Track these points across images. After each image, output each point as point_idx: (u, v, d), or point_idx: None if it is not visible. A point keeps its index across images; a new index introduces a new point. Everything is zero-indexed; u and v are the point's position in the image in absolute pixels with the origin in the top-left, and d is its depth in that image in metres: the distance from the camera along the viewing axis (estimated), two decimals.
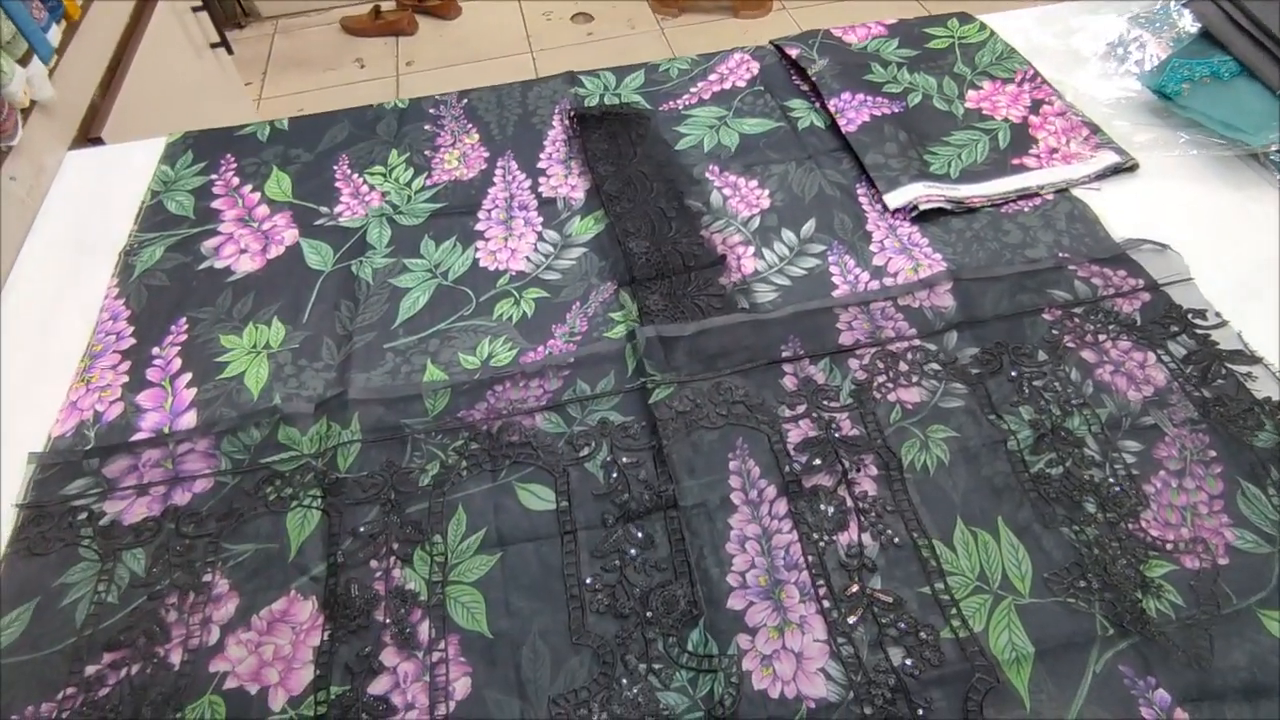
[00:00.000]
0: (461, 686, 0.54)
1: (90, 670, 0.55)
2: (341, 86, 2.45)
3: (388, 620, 0.57)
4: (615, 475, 0.64)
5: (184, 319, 0.79)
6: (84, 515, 0.64)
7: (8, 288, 0.83)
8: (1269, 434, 0.63)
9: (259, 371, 0.74)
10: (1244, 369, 0.67)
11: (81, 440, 0.69)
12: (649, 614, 0.56)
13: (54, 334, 0.79)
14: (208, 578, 0.60)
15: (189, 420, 0.70)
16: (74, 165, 0.98)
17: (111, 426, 0.70)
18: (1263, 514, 0.59)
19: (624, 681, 0.53)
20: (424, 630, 0.56)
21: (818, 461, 0.64)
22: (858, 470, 0.63)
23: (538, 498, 0.63)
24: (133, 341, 0.77)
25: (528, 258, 0.82)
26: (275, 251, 0.85)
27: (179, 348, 0.76)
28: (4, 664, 0.56)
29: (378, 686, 0.54)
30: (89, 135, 1.05)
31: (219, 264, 0.84)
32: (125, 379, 0.74)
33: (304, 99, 2.39)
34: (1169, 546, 0.58)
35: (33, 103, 0.94)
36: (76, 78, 1.07)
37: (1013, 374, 0.69)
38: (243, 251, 0.85)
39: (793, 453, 0.65)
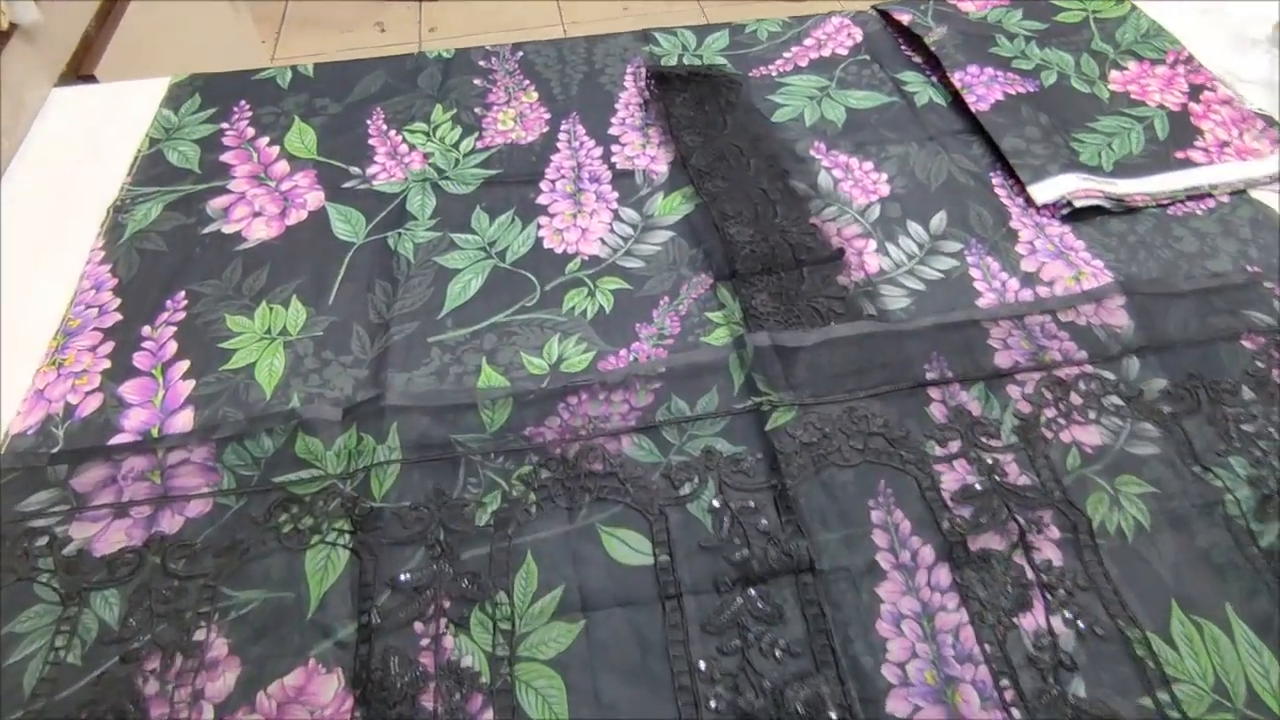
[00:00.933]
0: None
1: None
2: (360, 50, 2.30)
3: (438, 709, 0.43)
4: (728, 522, 0.50)
5: (183, 293, 0.64)
6: (44, 541, 0.50)
7: None
8: None
9: (273, 363, 0.59)
10: None
11: (47, 440, 0.55)
12: (783, 717, 0.43)
13: (23, 304, 0.64)
14: (200, 635, 0.46)
15: (184, 421, 0.56)
16: (60, 104, 0.83)
17: (86, 424, 0.56)
18: None
19: None
20: None
21: (985, 518, 0.50)
22: (1037, 531, 0.50)
23: (629, 547, 0.49)
24: (118, 318, 0.63)
25: (602, 240, 0.68)
26: (296, 217, 0.70)
27: (175, 328, 0.62)
28: None
29: None
30: (80, 71, 0.90)
31: (228, 228, 0.69)
32: (106, 364, 0.59)
33: (320, 60, 2.24)
34: None
35: (12, 26, 0.79)
36: (68, 3, 0.92)
37: (1215, 415, 0.55)
38: (257, 215, 0.70)
39: (951, 503, 0.51)
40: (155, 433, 0.55)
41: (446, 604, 0.47)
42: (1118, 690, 0.44)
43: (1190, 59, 0.84)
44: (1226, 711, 0.43)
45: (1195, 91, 0.80)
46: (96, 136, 0.79)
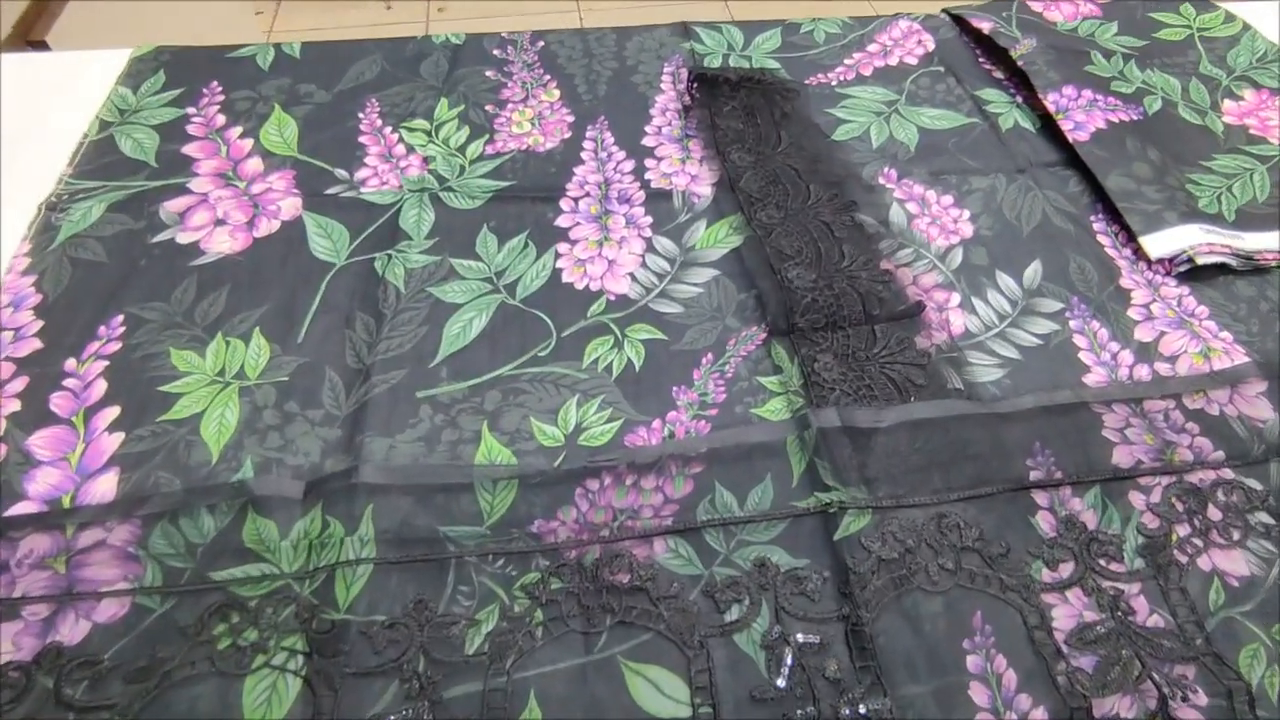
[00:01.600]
0: None
1: None
2: (365, 28, 2.17)
3: None
4: (791, 666, 0.39)
5: (120, 316, 0.53)
6: None
7: None
8: None
9: (225, 416, 0.48)
10: None
11: None
12: None
13: None
14: None
15: (105, 488, 0.45)
16: (3, 74, 0.71)
17: None
18: None
19: None
20: None
21: (1112, 674, 0.40)
22: (1180, 698, 0.39)
23: (660, 692, 0.38)
24: (38, 345, 0.51)
25: (633, 275, 0.56)
26: (267, 228, 0.59)
27: (106, 362, 0.50)
28: None
29: None
30: (29, 37, 0.78)
31: (183, 238, 0.58)
32: (15, 406, 0.48)
33: (319, 37, 2.11)
34: None
35: None
36: None
37: None
38: (219, 223, 0.59)
39: (1065, 649, 0.40)
40: (67, 501, 0.44)
41: None
42: None
43: None
44: None
45: None
46: (39, 114, 0.67)
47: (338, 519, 0.43)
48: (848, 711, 0.38)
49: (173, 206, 0.59)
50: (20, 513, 0.43)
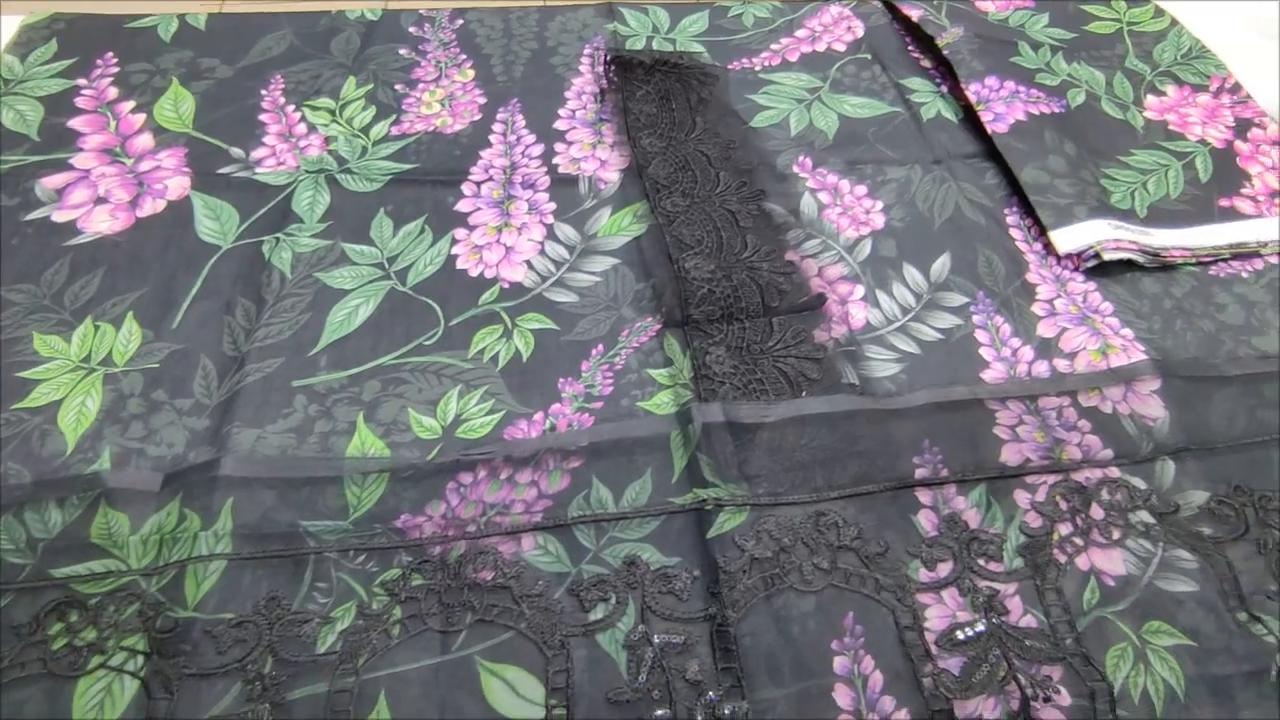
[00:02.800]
0: None
1: None
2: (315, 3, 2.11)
3: None
4: (650, 667, 0.38)
5: None
6: None
7: None
8: None
9: (86, 403, 0.46)
10: None
11: None
12: None
13: None
14: None
15: None
16: None
17: None
18: None
19: None
20: None
21: (977, 675, 0.39)
22: (1043, 699, 0.39)
23: (515, 693, 0.37)
24: None
25: (530, 264, 0.55)
26: (151, 207, 0.56)
27: None
28: None
29: None
30: None
31: (60, 216, 0.55)
32: None
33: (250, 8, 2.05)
34: None
35: None
36: None
37: (1265, 542, 0.44)
38: (100, 201, 0.56)
39: (934, 649, 0.40)
40: None
41: None
42: None
43: (1237, 88, 0.72)
44: None
45: (1243, 127, 0.69)
46: None
47: (195, 512, 0.41)
48: (702, 716, 0.37)
49: (51, 183, 0.57)
50: None
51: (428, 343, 0.50)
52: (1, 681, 0.36)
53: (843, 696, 0.38)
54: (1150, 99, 0.71)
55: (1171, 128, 0.69)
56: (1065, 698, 0.39)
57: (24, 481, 0.43)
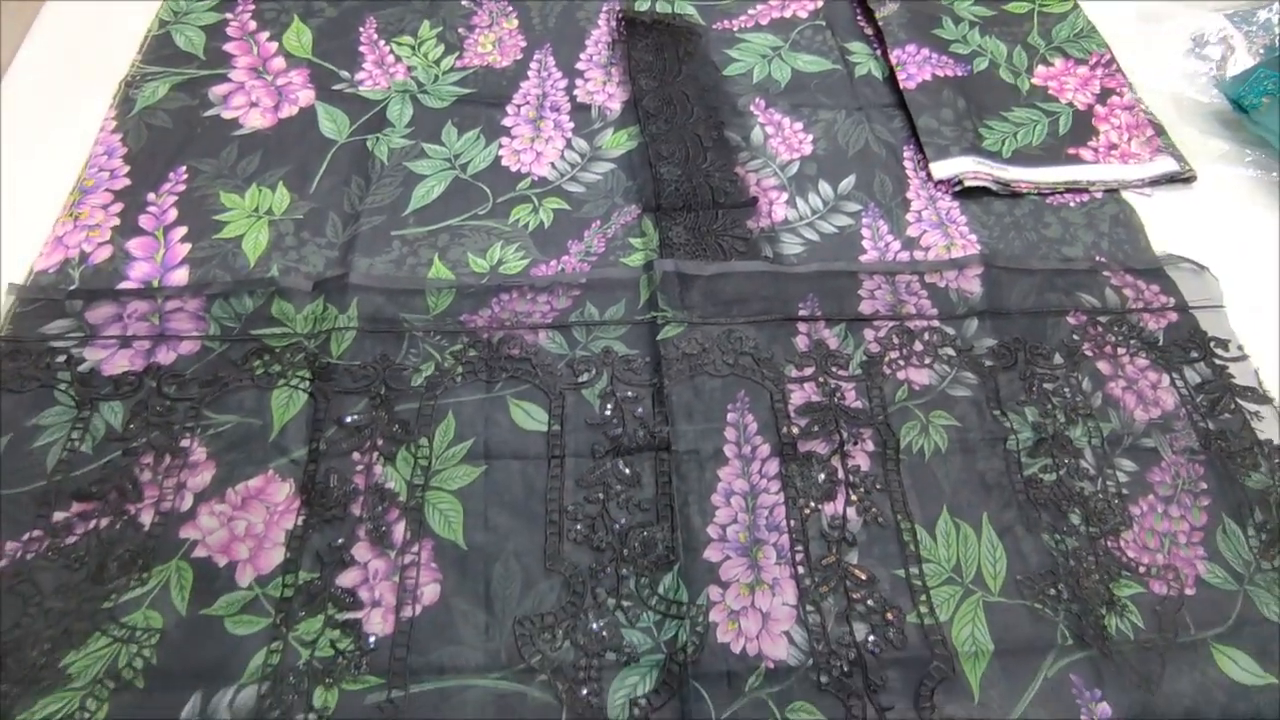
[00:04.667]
0: (430, 592, 0.54)
1: (58, 517, 0.55)
2: None
3: (364, 515, 0.56)
4: (612, 407, 0.63)
5: (184, 167, 0.74)
6: (63, 358, 0.62)
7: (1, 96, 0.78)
8: (1262, 476, 0.63)
9: (258, 237, 0.70)
10: (1253, 407, 0.67)
11: (65, 279, 0.66)
12: (625, 551, 0.56)
13: (42, 160, 0.74)
14: (185, 443, 0.59)
15: (180, 277, 0.67)
16: None
17: (98, 270, 0.67)
18: (1237, 552, 0.60)
19: (590, 614, 0.54)
20: (399, 531, 0.56)
21: (816, 428, 0.63)
22: (855, 443, 0.63)
23: (530, 416, 0.62)
24: (127, 182, 0.73)
25: (553, 164, 0.78)
26: (288, 111, 0.80)
27: (176, 197, 0.72)
28: None
29: (346, 579, 0.54)
30: None
31: (226, 114, 0.79)
32: (116, 222, 0.70)
33: None
34: (1142, 570, 0.59)
35: None
36: None
37: (1025, 372, 0.68)
38: (253, 105, 0.80)
39: (793, 414, 0.64)
40: (156, 284, 0.67)
41: (380, 442, 0.60)
42: (882, 562, 0.57)
43: (1111, 62, 0.92)
44: (955, 586, 0.57)
45: (1105, 95, 0.89)
46: (111, 11, 0.87)
47: (334, 306, 0.66)
48: (642, 433, 0.61)
49: (218, 90, 0.80)
50: (126, 287, 0.66)
51: (481, 213, 0.74)
52: (229, 388, 0.61)
53: (730, 434, 0.62)
54: (1040, 68, 0.91)
55: (1050, 92, 0.89)
56: (869, 444, 0.63)
57: (227, 280, 0.67)
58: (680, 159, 0.77)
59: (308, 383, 0.62)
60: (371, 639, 0.52)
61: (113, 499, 0.56)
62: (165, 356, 0.63)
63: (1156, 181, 0.82)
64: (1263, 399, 0.67)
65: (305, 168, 0.75)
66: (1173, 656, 0.55)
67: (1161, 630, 0.56)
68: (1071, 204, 0.80)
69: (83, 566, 0.53)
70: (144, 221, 0.70)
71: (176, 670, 0.50)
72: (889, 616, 0.55)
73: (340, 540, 0.55)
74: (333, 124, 0.79)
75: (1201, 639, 0.56)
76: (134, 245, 0.69)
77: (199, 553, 0.54)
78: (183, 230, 0.70)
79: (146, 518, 0.55)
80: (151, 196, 0.72)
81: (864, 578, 0.56)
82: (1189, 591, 0.58)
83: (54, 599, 0.52)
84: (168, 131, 0.77)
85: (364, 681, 0.51)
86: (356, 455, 0.59)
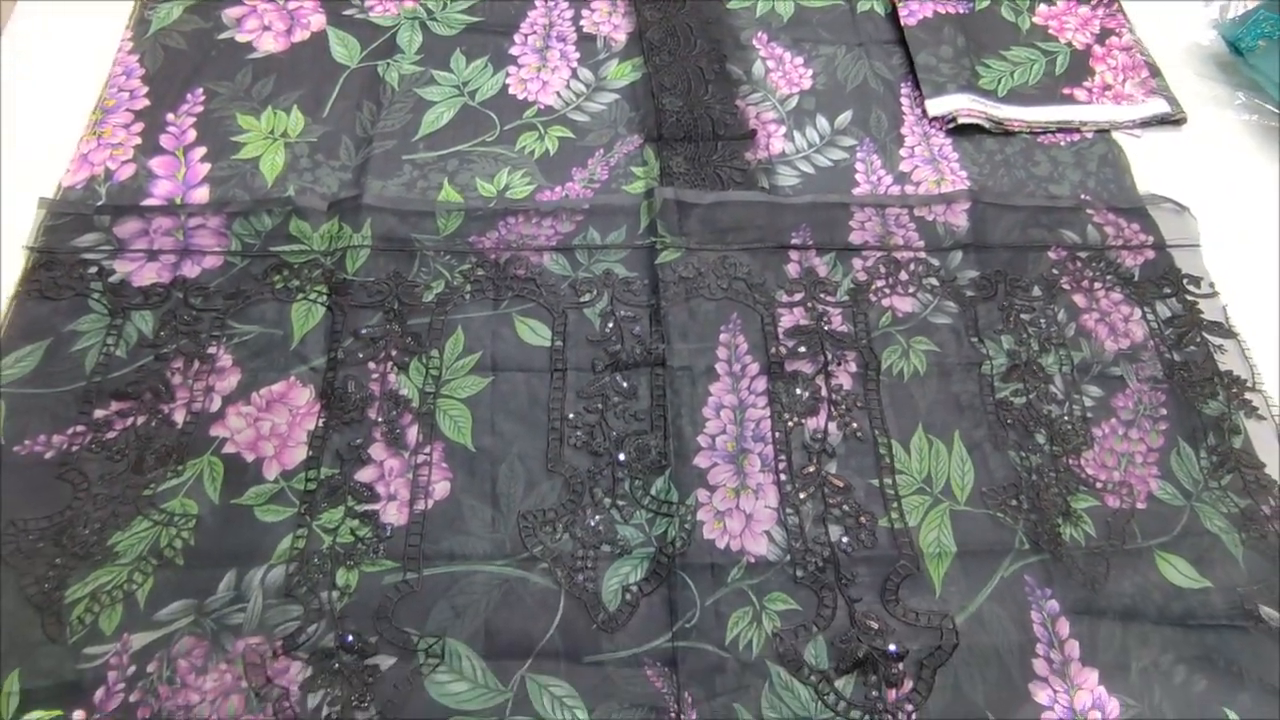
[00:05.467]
0: (441, 489, 0.59)
1: (99, 414, 0.59)
2: None
3: (379, 419, 0.61)
4: (611, 326, 0.66)
5: (201, 89, 0.77)
6: (94, 270, 0.66)
7: (17, 14, 0.80)
8: (1218, 404, 0.67)
9: (275, 159, 0.73)
10: (1218, 341, 0.70)
11: (92, 195, 0.70)
12: (621, 456, 0.61)
13: (64, 80, 0.76)
14: (212, 350, 0.63)
15: (201, 195, 0.70)
16: None
17: (123, 187, 0.70)
18: (1188, 472, 0.64)
19: (588, 510, 0.59)
20: (412, 434, 0.61)
21: (803, 349, 0.67)
22: (838, 364, 0.67)
23: (534, 332, 0.66)
24: (146, 103, 0.75)
25: (559, 93, 0.80)
26: (300, 35, 0.81)
27: (194, 119, 0.75)
28: (19, 393, 0.59)
29: (364, 475, 0.59)
30: None
31: (240, 37, 0.80)
32: (138, 141, 0.73)
33: None
34: (1099, 485, 0.63)
35: None
36: None
37: (1004, 303, 0.71)
38: (266, 29, 0.81)
39: (781, 336, 0.68)
40: (179, 201, 0.70)
41: (394, 353, 0.64)
42: (858, 472, 0.62)
43: (1112, 2, 0.93)
44: (925, 495, 0.62)
45: (1104, 35, 0.91)
46: None
47: (348, 225, 0.69)
48: (639, 349, 0.65)
49: (231, 13, 0.82)
50: (151, 204, 0.69)
51: (489, 140, 0.76)
52: (251, 300, 0.65)
53: (721, 352, 0.66)
54: (1041, 7, 0.92)
55: (1050, 31, 0.90)
56: (852, 366, 0.67)
57: (246, 199, 0.70)
58: (682, 91, 0.80)
59: (325, 297, 0.66)
60: (388, 528, 0.57)
61: (148, 399, 0.60)
62: (190, 270, 0.66)
63: (1147, 122, 0.84)
64: (1228, 334, 0.71)
65: (318, 92, 0.77)
66: (1118, 561, 0.60)
67: (1111, 538, 0.61)
68: (1062, 143, 0.82)
69: (123, 459, 0.58)
70: (165, 141, 0.73)
71: (213, 551, 0.55)
72: (862, 520, 0.60)
73: (358, 440, 0.60)
74: (344, 49, 0.81)
75: (1147, 547, 0.61)
76: (156, 164, 0.72)
77: (228, 449, 0.59)
78: (202, 150, 0.73)
79: (179, 416, 0.60)
80: (170, 117, 0.75)
81: (841, 485, 0.61)
82: (1140, 506, 0.63)
83: (99, 486, 0.57)
84: (183, 54, 0.79)
85: (381, 565, 0.56)
86: (372, 364, 0.63)
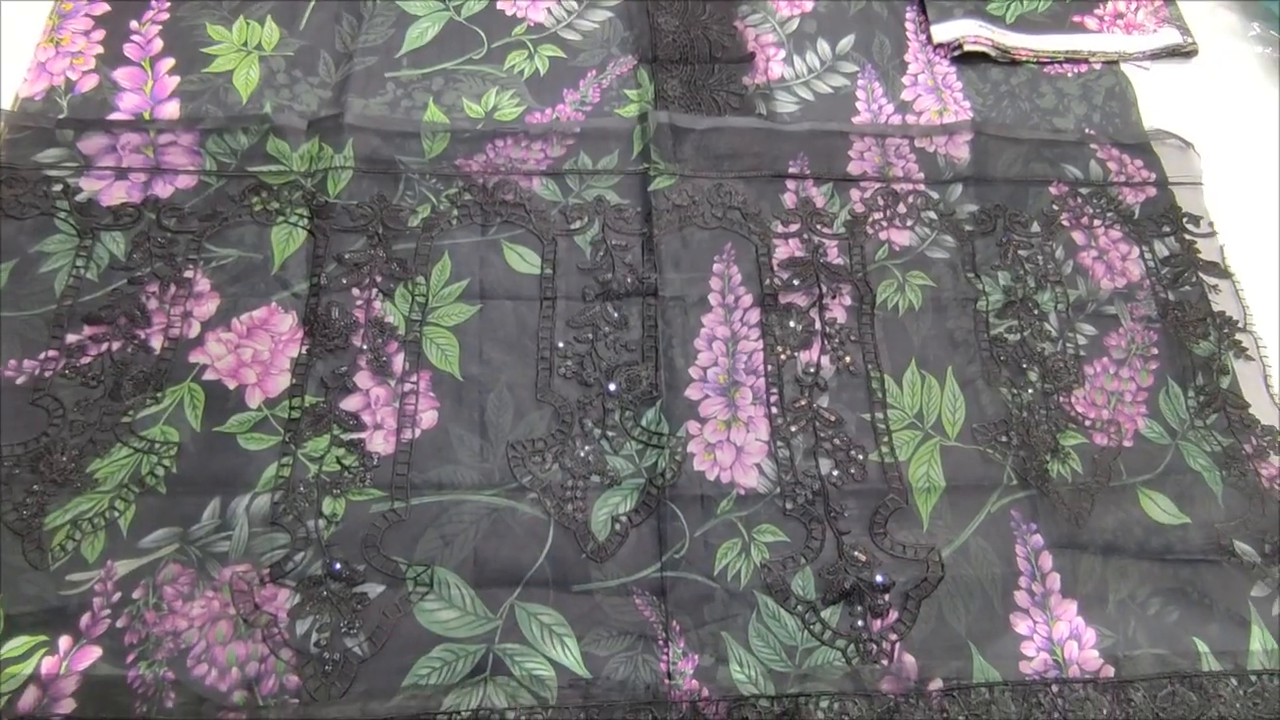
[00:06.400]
0: (429, 418, 0.58)
1: (71, 338, 0.57)
2: None
3: (365, 346, 0.59)
4: (603, 254, 0.65)
5: None
6: (59, 187, 0.63)
7: None
8: (1209, 344, 0.67)
9: (249, 73, 0.69)
10: (1213, 281, 0.70)
11: (53, 107, 0.66)
12: (612, 387, 0.60)
13: None
14: (189, 274, 0.61)
15: (171, 110, 0.67)
16: None
17: (86, 99, 0.66)
18: (1176, 411, 0.65)
19: (578, 441, 0.58)
20: (398, 362, 0.59)
21: (797, 281, 0.66)
22: (833, 298, 0.66)
23: (523, 260, 0.64)
24: (107, 8, 0.71)
25: (549, 10, 0.76)
26: None
27: (160, 27, 0.70)
28: None
29: (350, 404, 0.58)
30: None
31: None
32: (100, 50, 0.69)
33: None
34: (1088, 423, 0.63)
35: None
36: None
37: (1003, 239, 0.70)
38: None
39: (776, 268, 0.66)
40: (147, 116, 0.66)
41: (378, 279, 0.62)
42: (850, 406, 0.62)
43: None
44: (916, 430, 0.61)
45: None
46: None
47: (329, 145, 0.66)
48: (631, 279, 0.64)
49: None
50: (116, 118, 0.66)
51: (476, 58, 0.73)
52: (229, 223, 0.63)
53: (715, 284, 0.65)
54: None
55: None
56: (847, 299, 0.66)
57: (219, 116, 0.67)
58: (679, 9, 0.76)
59: (306, 220, 0.63)
60: (374, 457, 0.56)
61: (122, 324, 0.58)
62: (163, 190, 0.63)
63: (1157, 55, 0.82)
64: (1223, 274, 0.70)
65: (293, 2, 0.73)
66: (1102, 498, 0.60)
67: (1097, 475, 0.61)
68: (1069, 75, 0.80)
69: (99, 384, 0.56)
70: (129, 51, 0.69)
71: (196, 478, 0.54)
72: (852, 454, 0.60)
73: (343, 368, 0.59)
74: None
75: (1130, 484, 0.61)
76: (121, 75, 0.68)
77: (209, 376, 0.58)
78: (170, 62, 0.69)
79: (156, 342, 0.58)
80: (135, 25, 0.70)
81: (832, 419, 0.61)
82: (1127, 444, 0.63)
83: (75, 412, 0.55)
84: None
85: (369, 494, 0.55)
86: (356, 291, 0.61)
